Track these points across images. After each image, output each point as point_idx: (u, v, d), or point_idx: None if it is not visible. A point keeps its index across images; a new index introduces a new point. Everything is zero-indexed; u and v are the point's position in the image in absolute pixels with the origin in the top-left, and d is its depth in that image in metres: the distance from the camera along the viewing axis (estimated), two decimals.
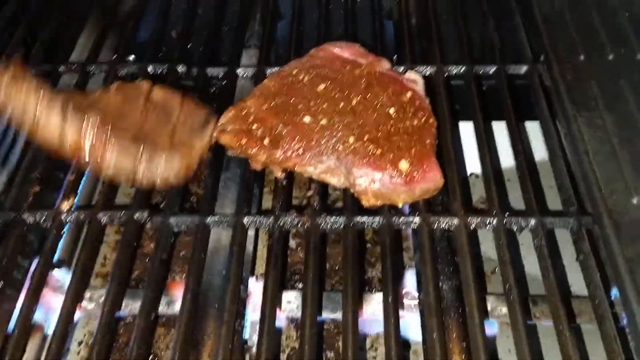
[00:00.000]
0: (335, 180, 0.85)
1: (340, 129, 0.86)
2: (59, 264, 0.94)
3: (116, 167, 0.82)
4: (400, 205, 0.83)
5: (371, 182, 0.82)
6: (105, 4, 1.20)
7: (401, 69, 0.99)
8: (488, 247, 1.05)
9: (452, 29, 1.11)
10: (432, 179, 0.82)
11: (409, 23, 1.13)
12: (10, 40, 1.11)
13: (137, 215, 0.84)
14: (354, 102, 0.89)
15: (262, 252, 1.06)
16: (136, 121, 0.88)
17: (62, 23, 1.17)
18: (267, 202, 1.02)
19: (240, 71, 1.04)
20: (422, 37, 1.12)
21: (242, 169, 0.91)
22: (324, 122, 0.86)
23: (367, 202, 0.83)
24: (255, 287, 0.91)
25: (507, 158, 0.95)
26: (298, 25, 1.14)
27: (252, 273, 0.94)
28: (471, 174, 1.16)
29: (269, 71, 1.03)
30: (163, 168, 0.83)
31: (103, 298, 0.86)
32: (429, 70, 1.01)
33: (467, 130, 0.98)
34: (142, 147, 0.82)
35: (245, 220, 0.84)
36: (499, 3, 1.15)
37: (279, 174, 0.87)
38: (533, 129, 1.01)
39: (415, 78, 0.93)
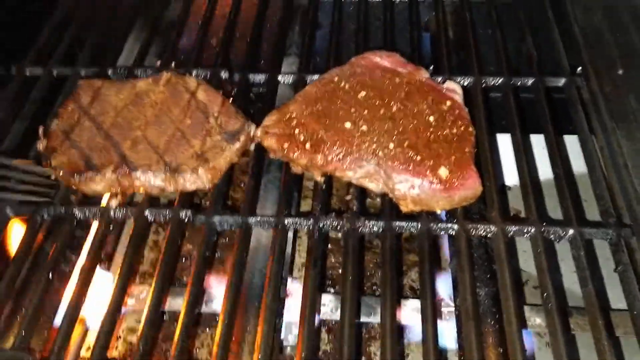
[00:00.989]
0: (374, 186, 0.87)
1: (380, 135, 0.88)
2: (103, 261, 0.97)
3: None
4: (438, 212, 0.85)
5: (410, 187, 0.83)
6: (150, 12, 1.24)
7: (439, 79, 1.01)
8: (523, 260, 1.06)
9: (489, 42, 1.13)
10: (471, 187, 0.83)
11: (446, 35, 1.15)
12: (60, 43, 1.16)
13: (182, 214, 0.87)
14: (394, 109, 0.91)
15: (298, 256, 1.08)
16: (176, 119, 0.93)
17: (109, 29, 1.21)
18: (305, 206, 1.05)
19: (281, 78, 1.07)
20: (459, 48, 1.14)
21: (283, 173, 0.93)
22: (364, 128, 0.89)
23: (405, 207, 0.85)
24: (293, 289, 0.94)
25: (544, 171, 0.95)
26: (337, 35, 1.17)
27: (290, 274, 0.96)
28: (508, 187, 1.17)
29: (309, 78, 1.05)
30: (190, 180, 0.87)
31: (145, 294, 0.89)
32: (466, 81, 1.03)
33: (504, 142, 0.99)
34: (165, 165, 0.87)
35: (286, 221, 0.86)
36: (537, 16, 1.16)
37: (319, 178, 0.90)
38: (571, 142, 1.02)
39: (454, 87, 0.95)
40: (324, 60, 1.11)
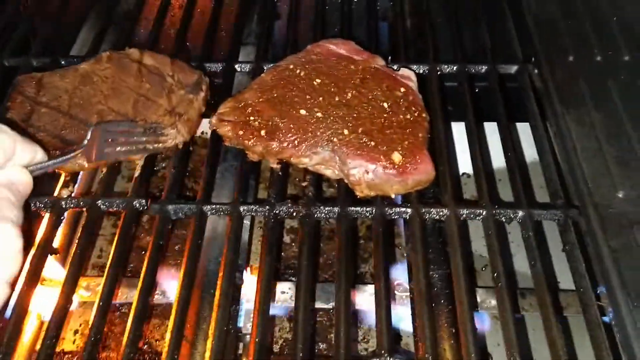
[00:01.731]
0: (330, 172, 0.88)
1: (335, 121, 0.88)
2: (55, 252, 0.95)
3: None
4: (392, 196, 0.86)
5: (364, 172, 0.84)
6: (105, 1, 1.22)
7: (395, 67, 1.02)
8: (479, 245, 1.08)
9: (445, 31, 1.14)
10: (424, 171, 0.84)
11: (403, 24, 1.16)
12: (11, 33, 1.13)
13: (136, 203, 0.86)
14: (349, 96, 0.91)
15: (256, 246, 1.08)
16: (134, 86, 0.94)
17: (62, 19, 1.18)
18: (262, 195, 1.04)
19: (238, 66, 1.06)
20: (416, 38, 1.15)
21: (239, 161, 0.93)
22: (319, 114, 0.89)
23: (360, 192, 0.86)
24: (250, 278, 0.93)
25: (498, 159, 0.97)
26: (295, 25, 1.17)
27: (247, 264, 0.96)
28: (463, 174, 1.18)
29: (266, 67, 1.05)
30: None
31: (101, 285, 0.87)
32: (422, 68, 1.04)
33: (459, 131, 1.01)
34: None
35: (242, 208, 0.86)
36: (492, 6, 1.18)
37: (275, 165, 0.89)
38: (524, 131, 1.04)
39: (408, 74, 0.95)
40: (282, 49, 1.11)
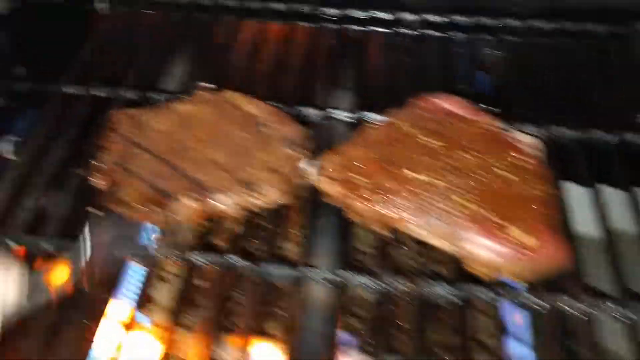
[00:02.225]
0: (443, 244, 0.80)
1: (451, 189, 0.80)
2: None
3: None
4: (515, 280, 0.77)
5: (486, 251, 0.76)
6: (195, 36, 1.18)
7: (505, 127, 0.94)
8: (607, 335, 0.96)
9: (557, 87, 1.06)
10: (557, 257, 0.75)
11: (510, 77, 1.08)
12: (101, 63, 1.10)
13: (231, 259, 0.80)
14: (466, 160, 0.84)
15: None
16: (233, 135, 0.88)
17: (152, 51, 1.15)
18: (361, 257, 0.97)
19: (336, 115, 1.00)
20: (523, 93, 1.06)
21: (337, 218, 0.86)
22: (432, 179, 0.81)
23: (476, 271, 0.78)
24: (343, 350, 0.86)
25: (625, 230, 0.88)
26: (392, 73, 1.10)
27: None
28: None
29: (366, 117, 0.99)
30: (269, 192, 0.82)
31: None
32: (535, 131, 0.96)
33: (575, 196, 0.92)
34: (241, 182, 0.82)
35: (345, 277, 0.79)
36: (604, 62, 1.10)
37: (384, 232, 0.82)
38: None
39: (534, 143, 0.87)
40: (381, 97, 1.04)
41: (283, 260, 0.81)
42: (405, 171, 0.83)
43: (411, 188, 0.81)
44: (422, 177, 0.82)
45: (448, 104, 0.94)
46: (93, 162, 0.86)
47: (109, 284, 0.87)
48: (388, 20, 1.20)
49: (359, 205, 0.81)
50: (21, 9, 1.14)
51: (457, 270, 0.79)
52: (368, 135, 0.89)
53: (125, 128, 0.89)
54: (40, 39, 1.10)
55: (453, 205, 0.79)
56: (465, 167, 0.83)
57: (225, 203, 0.81)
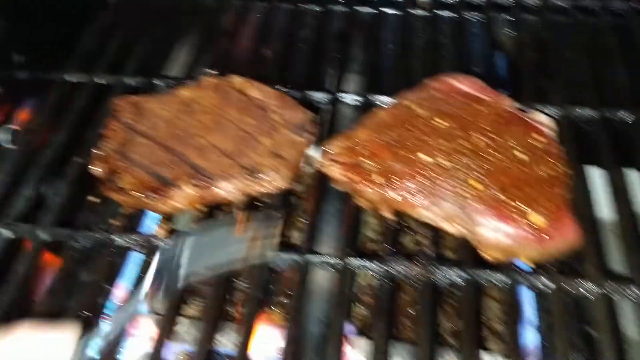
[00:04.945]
0: (452, 228, 0.77)
1: (462, 171, 0.77)
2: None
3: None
4: (526, 263, 0.74)
5: (497, 234, 0.73)
6: (202, 21, 1.16)
7: (520, 107, 0.90)
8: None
9: (573, 67, 1.01)
10: (569, 239, 0.72)
11: (525, 57, 1.04)
12: (104, 50, 1.09)
13: None
14: (479, 142, 0.80)
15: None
16: (237, 120, 0.86)
17: (156, 37, 1.13)
18: (368, 243, 0.94)
19: (344, 98, 0.97)
20: (539, 73, 1.02)
21: (344, 204, 0.83)
22: (444, 162, 0.78)
23: (489, 255, 0.74)
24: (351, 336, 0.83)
25: None
26: (404, 53, 1.07)
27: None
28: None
29: (376, 100, 0.95)
30: (272, 178, 0.80)
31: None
32: (551, 110, 0.92)
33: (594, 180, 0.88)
34: (243, 168, 0.80)
35: (350, 262, 0.76)
36: (629, 40, 1.05)
37: (390, 215, 0.79)
38: None
39: (547, 121, 0.84)
40: (392, 80, 1.01)
41: (288, 246, 0.79)
42: (417, 154, 0.79)
43: (422, 171, 0.78)
44: (434, 160, 0.79)
45: (462, 84, 0.90)
46: (93, 150, 0.84)
47: None
48: (400, 1, 1.16)
49: (367, 190, 0.78)
50: None
51: (468, 255, 0.76)
52: (377, 118, 0.86)
53: (126, 115, 0.87)
54: (40, 26, 1.09)
55: (465, 188, 0.76)
56: (478, 148, 0.79)
57: (227, 189, 0.79)
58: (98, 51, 1.09)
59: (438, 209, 0.76)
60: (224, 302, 0.77)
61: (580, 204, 0.79)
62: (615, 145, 0.87)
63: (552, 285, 0.73)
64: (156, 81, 1.02)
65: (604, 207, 0.82)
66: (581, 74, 0.99)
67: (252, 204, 0.82)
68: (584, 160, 0.85)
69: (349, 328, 0.82)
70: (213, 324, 0.72)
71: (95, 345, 0.65)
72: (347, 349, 0.76)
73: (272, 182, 0.81)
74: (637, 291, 0.71)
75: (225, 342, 0.74)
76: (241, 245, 0.73)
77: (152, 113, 0.87)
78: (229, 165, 0.81)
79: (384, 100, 0.95)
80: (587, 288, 0.72)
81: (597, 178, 0.86)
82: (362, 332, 0.84)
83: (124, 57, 1.07)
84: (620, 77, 0.98)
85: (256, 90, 0.90)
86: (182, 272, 0.70)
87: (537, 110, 0.88)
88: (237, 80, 0.92)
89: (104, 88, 1.02)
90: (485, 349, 0.85)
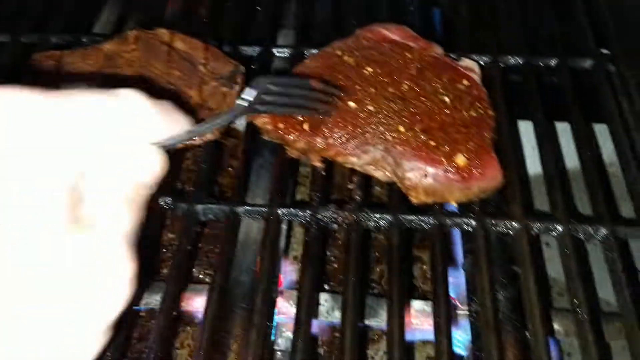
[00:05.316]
0: (380, 173, 0.77)
1: (388, 116, 0.77)
2: None
3: None
4: (453, 204, 0.75)
5: (423, 176, 0.73)
6: None
7: (453, 56, 0.90)
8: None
9: (505, 17, 1.02)
10: (491, 177, 0.73)
11: (459, 9, 1.04)
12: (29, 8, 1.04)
13: (160, 201, 0.76)
14: (405, 87, 0.80)
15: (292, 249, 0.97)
16: (162, 73, 0.83)
17: None
18: (301, 195, 0.94)
19: (276, 51, 0.96)
20: (473, 25, 1.02)
21: (276, 157, 0.82)
22: (370, 108, 0.78)
23: (416, 198, 0.75)
24: (285, 286, 0.83)
25: (570, 162, 0.86)
26: (339, 7, 1.06)
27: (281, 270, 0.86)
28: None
29: (308, 52, 0.94)
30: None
31: None
32: (483, 59, 0.92)
33: (524, 131, 0.90)
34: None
35: (280, 211, 0.75)
36: None
37: (318, 163, 0.79)
38: (599, 131, 0.92)
39: (471, 65, 0.84)
40: (324, 33, 1.00)
41: (217, 198, 0.78)
42: (342, 101, 0.79)
43: (349, 119, 0.77)
44: (359, 106, 0.78)
45: (393, 33, 0.89)
46: None
47: None
48: None
49: (296, 139, 0.77)
50: None
51: (397, 200, 0.76)
52: (305, 67, 0.85)
53: (47, 70, 0.84)
54: None
55: (391, 133, 0.76)
56: (405, 94, 0.79)
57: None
58: (22, 10, 1.04)
59: (365, 155, 0.76)
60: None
61: (506, 148, 0.80)
62: (542, 92, 0.88)
63: (477, 224, 0.73)
64: (84, 39, 0.99)
65: (530, 151, 0.83)
66: (513, 24, 1.00)
67: None
68: (512, 107, 0.86)
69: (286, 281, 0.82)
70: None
71: None
72: (278, 299, 0.76)
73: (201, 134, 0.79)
74: (559, 228, 0.73)
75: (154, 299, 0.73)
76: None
77: (74, 67, 0.84)
78: None
79: (314, 52, 0.94)
80: (511, 226, 0.74)
81: (524, 124, 0.87)
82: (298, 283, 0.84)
83: (51, 15, 1.03)
84: (552, 27, 0.99)
85: (183, 43, 0.88)
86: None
87: (468, 58, 0.88)
88: (163, 33, 0.89)
89: (29, 47, 0.98)
90: (420, 296, 0.87)
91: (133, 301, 0.66)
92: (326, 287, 0.96)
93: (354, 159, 0.77)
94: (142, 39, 0.88)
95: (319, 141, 0.76)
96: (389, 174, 0.76)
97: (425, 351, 0.90)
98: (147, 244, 0.75)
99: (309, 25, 1.05)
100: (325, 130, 0.76)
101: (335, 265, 0.92)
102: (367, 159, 0.76)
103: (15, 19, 1.02)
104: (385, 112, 0.77)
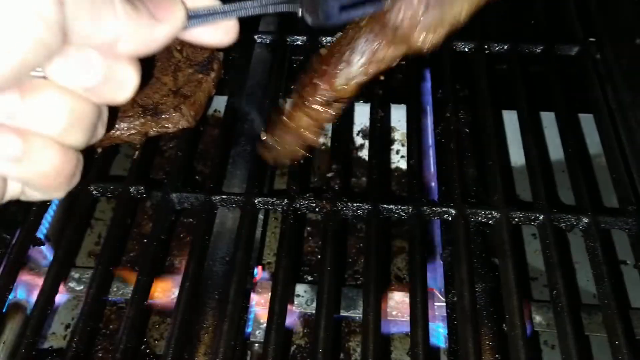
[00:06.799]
0: (390, 51, 0.70)
1: None
2: (46, 241, 0.84)
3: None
4: (462, 21, 0.69)
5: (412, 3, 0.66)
6: None
7: None
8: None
9: (492, 4, 1.00)
10: None
11: None
12: None
13: (132, 189, 0.74)
14: None
15: (270, 240, 0.96)
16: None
17: None
18: (280, 185, 0.92)
19: (257, 37, 0.94)
20: None
21: (254, 144, 0.81)
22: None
23: (420, 42, 0.66)
24: (262, 278, 0.82)
25: (555, 155, 0.84)
26: None
27: (259, 261, 0.84)
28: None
29: (289, 39, 0.93)
30: (173, 119, 0.77)
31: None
32: (467, 46, 0.91)
33: (509, 121, 0.88)
34: (142, 109, 0.75)
35: (256, 200, 0.74)
36: None
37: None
38: (585, 120, 0.90)
39: None
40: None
41: (193, 186, 0.76)
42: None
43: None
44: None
45: None
46: None
47: None
48: None
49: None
50: None
51: (375, 190, 0.75)
52: None
53: None
54: None
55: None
56: None
57: (123, 129, 0.75)
58: None
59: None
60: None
61: (489, 138, 0.78)
62: (527, 80, 0.87)
63: (456, 213, 0.72)
64: None
65: (515, 142, 0.82)
66: (498, 10, 0.98)
67: None
68: (496, 96, 0.85)
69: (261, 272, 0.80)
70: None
71: None
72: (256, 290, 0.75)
73: (174, 123, 0.77)
74: (540, 217, 0.72)
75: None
76: None
77: None
78: (128, 106, 0.77)
79: (298, 38, 0.93)
80: (491, 215, 0.72)
81: (508, 114, 0.86)
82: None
83: None
84: (538, 13, 0.98)
85: None
86: None
87: (452, 44, 0.87)
88: None
89: None
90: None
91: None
92: (310, 278, 0.95)
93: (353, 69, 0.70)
94: None
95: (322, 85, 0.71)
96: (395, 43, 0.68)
97: (407, 344, 0.89)
98: (120, 234, 0.74)
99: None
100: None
101: (319, 257, 0.90)
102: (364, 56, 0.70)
103: None
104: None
